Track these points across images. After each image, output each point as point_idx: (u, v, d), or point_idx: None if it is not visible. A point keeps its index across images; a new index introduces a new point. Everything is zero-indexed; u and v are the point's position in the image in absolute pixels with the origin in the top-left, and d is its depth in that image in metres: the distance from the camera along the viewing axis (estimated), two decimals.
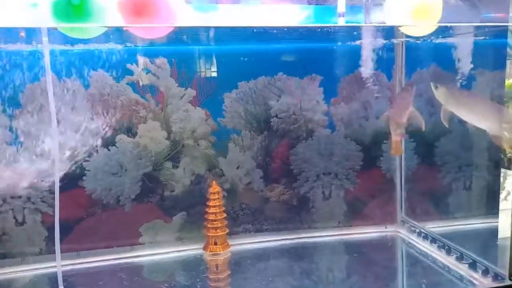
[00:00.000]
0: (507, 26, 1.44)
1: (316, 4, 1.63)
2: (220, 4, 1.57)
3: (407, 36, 1.92)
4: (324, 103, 2.03)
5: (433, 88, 1.56)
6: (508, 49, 1.90)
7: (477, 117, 1.49)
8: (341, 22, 1.45)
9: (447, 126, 1.56)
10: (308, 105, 2.01)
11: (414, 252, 1.87)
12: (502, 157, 1.57)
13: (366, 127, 2.06)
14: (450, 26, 1.70)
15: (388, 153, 2.11)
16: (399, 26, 1.58)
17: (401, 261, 1.88)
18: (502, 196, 1.57)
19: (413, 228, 2.03)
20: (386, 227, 2.09)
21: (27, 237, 1.80)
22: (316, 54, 1.99)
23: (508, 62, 1.97)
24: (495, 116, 1.45)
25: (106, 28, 1.37)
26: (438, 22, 1.46)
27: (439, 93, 1.55)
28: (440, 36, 1.86)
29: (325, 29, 1.62)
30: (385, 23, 1.52)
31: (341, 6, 1.45)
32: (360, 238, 2.03)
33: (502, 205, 1.57)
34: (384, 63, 2.02)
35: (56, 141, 1.46)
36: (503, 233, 1.49)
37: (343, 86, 2.04)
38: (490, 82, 1.81)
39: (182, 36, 1.69)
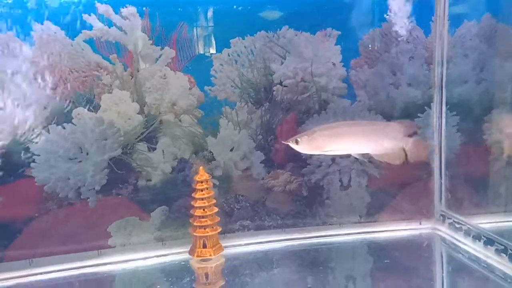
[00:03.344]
0: None
1: None
2: None
3: None
4: (342, 66, 1.79)
5: (293, 145, 1.45)
6: None
7: (358, 144, 1.45)
8: None
9: None
10: (321, 68, 1.76)
11: (461, 256, 1.62)
12: None
13: (396, 97, 1.82)
14: None
15: (423, 130, 1.82)
16: None
17: (444, 268, 1.62)
18: None
19: (457, 225, 1.75)
20: (420, 223, 1.85)
21: None
22: (332, 2, 1.76)
23: None
24: (376, 135, 1.45)
25: None
26: None
27: (303, 146, 1.44)
28: None
29: None
30: None
31: None
32: (387, 237, 1.80)
33: None
34: (420, 13, 1.77)
35: None
36: None
37: (367, 44, 1.81)
38: None
39: None
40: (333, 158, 1.80)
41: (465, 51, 1.76)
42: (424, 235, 1.82)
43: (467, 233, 1.68)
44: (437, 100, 1.78)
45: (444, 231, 1.80)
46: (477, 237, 1.62)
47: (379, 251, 1.70)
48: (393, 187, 1.86)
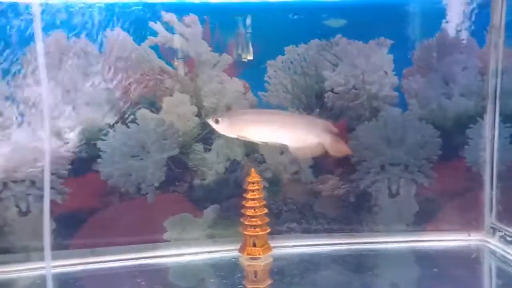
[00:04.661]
0: None
1: None
2: None
3: None
4: (394, 75, 1.76)
5: (213, 124, 1.43)
6: None
7: (276, 132, 1.45)
8: None
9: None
10: (373, 77, 1.74)
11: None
12: None
13: (448, 107, 1.77)
14: None
15: (474, 140, 1.78)
16: None
17: (493, 281, 1.58)
18: None
19: (508, 238, 1.70)
20: (469, 235, 1.80)
21: (32, 229, 1.60)
22: (386, 11, 1.73)
23: None
24: (296, 126, 1.46)
25: None
26: None
27: (223, 126, 1.42)
28: None
29: None
30: None
31: None
32: (434, 246, 1.76)
33: None
34: (474, 23, 1.72)
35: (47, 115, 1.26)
36: None
37: (420, 54, 1.77)
38: None
39: None
40: (383, 165, 1.76)
41: None
42: (473, 246, 1.75)
43: None
44: (490, 111, 1.74)
45: (494, 243, 1.73)
46: None
47: (426, 260, 1.66)
48: (442, 197, 1.81)
